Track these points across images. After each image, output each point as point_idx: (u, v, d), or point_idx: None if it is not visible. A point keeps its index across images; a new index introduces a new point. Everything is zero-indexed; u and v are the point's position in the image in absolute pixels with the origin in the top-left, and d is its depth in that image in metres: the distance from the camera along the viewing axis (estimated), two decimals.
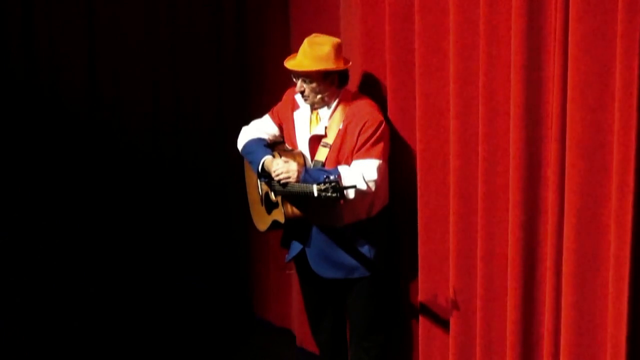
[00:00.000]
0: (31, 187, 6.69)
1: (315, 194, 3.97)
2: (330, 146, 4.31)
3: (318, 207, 4.22)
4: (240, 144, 4.57)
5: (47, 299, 6.16)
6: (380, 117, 4.29)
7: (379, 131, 4.25)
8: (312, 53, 4.26)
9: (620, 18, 3.46)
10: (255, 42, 5.65)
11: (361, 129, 4.25)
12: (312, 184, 4.00)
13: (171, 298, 6.22)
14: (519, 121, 3.85)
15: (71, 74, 6.57)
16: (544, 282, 3.94)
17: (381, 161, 4.25)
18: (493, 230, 4.08)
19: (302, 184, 4.15)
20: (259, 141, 4.49)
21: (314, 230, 4.42)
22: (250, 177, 4.65)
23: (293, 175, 4.21)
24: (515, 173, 3.90)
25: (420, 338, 4.55)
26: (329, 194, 3.94)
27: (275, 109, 4.60)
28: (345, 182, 4.12)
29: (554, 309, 3.86)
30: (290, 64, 4.32)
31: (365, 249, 4.41)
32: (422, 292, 4.48)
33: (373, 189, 4.22)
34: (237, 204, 5.84)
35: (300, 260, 4.53)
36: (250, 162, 4.50)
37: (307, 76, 4.28)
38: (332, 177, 3.97)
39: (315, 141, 4.37)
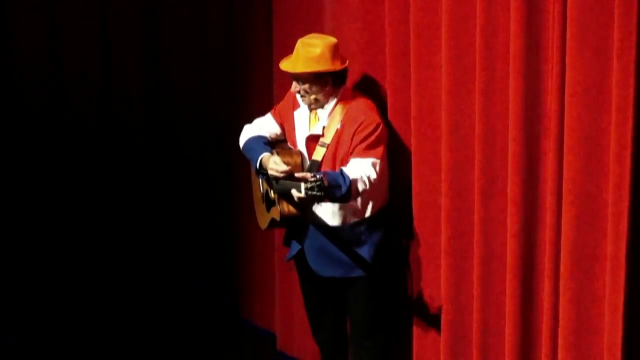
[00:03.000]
0: (31, 187, 6.70)
1: (302, 192, 3.96)
2: (328, 146, 4.32)
3: (310, 205, 4.21)
4: (241, 142, 4.58)
5: (47, 299, 6.15)
6: (378, 119, 4.28)
7: (377, 132, 4.23)
8: (304, 54, 4.26)
9: (617, 14, 3.45)
10: (242, 38, 5.63)
11: (357, 128, 4.23)
12: (301, 182, 3.99)
13: (159, 298, 6.24)
14: (517, 121, 3.84)
15: (71, 76, 6.58)
16: (542, 281, 3.93)
17: (379, 160, 4.24)
18: (490, 229, 4.07)
19: (293, 182, 4.13)
20: (259, 139, 4.50)
21: (313, 228, 4.41)
22: (255, 176, 4.67)
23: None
24: (513, 173, 3.89)
25: (418, 338, 4.55)
26: (314, 192, 3.93)
27: (278, 107, 4.60)
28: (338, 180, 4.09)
29: (552, 308, 3.86)
30: (284, 65, 4.33)
31: (364, 249, 4.40)
32: (417, 292, 4.49)
33: (368, 187, 4.22)
34: (225, 203, 5.86)
35: (300, 259, 4.53)
36: (250, 159, 4.51)
37: (300, 78, 4.29)
38: (318, 176, 3.97)
39: (312, 141, 4.36)
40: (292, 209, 4.30)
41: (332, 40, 4.33)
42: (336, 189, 4.06)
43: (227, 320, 5.88)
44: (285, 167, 4.14)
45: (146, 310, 6.05)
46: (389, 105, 4.46)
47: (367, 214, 4.38)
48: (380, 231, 4.43)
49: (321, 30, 4.71)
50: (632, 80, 3.46)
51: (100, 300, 6.16)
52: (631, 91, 3.46)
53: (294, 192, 4.00)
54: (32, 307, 6.06)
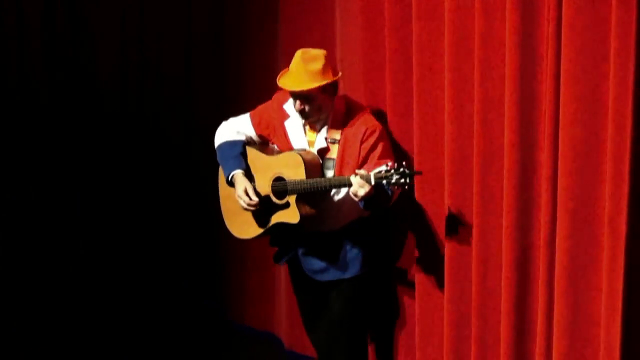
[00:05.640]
0: (25, 186, 6.65)
1: (373, 183, 3.91)
2: (338, 142, 4.25)
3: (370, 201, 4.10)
4: (216, 142, 4.50)
5: (38, 300, 6.15)
6: (378, 123, 4.25)
7: (384, 139, 4.21)
8: (308, 69, 4.17)
9: (614, 17, 3.47)
10: (235, 31, 5.62)
11: (362, 137, 4.20)
12: (369, 175, 3.93)
13: (150, 301, 6.24)
14: (513, 125, 3.87)
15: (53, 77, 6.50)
16: (537, 284, 3.95)
17: (393, 160, 4.19)
18: (487, 230, 4.09)
19: (337, 178, 4.12)
20: (235, 146, 4.43)
21: (307, 234, 4.38)
22: (228, 189, 4.54)
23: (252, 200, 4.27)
24: (509, 174, 3.92)
25: (417, 340, 4.55)
26: (394, 181, 3.87)
27: (262, 116, 4.46)
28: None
29: (547, 311, 3.87)
30: (288, 84, 4.21)
31: (356, 249, 4.37)
32: (419, 293, 4.50)
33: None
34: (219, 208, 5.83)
35: (293, 262, 4.51)
36: (222, 167, 4.46)
37: (308, 94, 4.20)
38: (403, 163, 3.89)
39: (320, 153, 4.30)
40: (309, 210, 4.25)
41: (324, 51, 4.28)
42: (386, 197, 4.06)
43: (224, 325, 5.87)
44: (254, 202, 4.25)
45: (136, 316, 6.03)
46: (388, 109, 4.47)
47: (362, 214, 4.34)
48: (373, 232, 4.42)
49: (331, 30, 4.69)
50: (630, 84, 3.46)
51: (99, 302, 6.17)
52: (630, 95, 3.47)
53: (357, 187, 3.94)
54: (29, 307, 6.07)
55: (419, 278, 4.48)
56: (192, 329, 5.82)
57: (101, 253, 6.59)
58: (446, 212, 4.24)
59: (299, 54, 4.24)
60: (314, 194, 4.19)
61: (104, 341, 5.63)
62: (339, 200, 4.29)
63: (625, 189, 3.53)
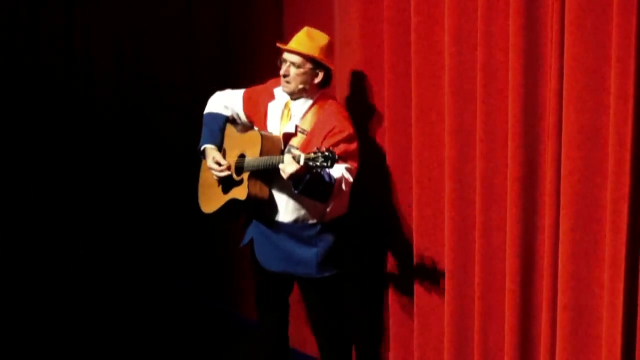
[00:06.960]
0: (25, 186, 6.64)
1: (302, 162, 3.90)
2: (307, 133, 4.26)
3: (297, 184, 4.09)
4: (206, 109, 4.57)
5: (36, 301, 6.14)
6: (351, 129, 4.23)
7: (352, 143, 4.19)
8: (310, 41, 4.26)
9: (615, 17, 3.47)
10: (241, 22, 5.62)
11: (328, 133, 4.19)
12: (300, 154, 3.92)
13: (150, 298, 6.22)
14: (517, 122, 3.87)
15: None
16: (541, 283, 3.95)
17: (355, 167, 4.20)
18: (490, 230, 4.09)
19: (278, 157, 4.12)
20: (218, 119, 4.50)
21: (264, 221, 4.39)
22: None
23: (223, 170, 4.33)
24: (513, 173, 3.91)
25: (415, 340, 4.56)
26: (318, 163, 3.85)
27: (252, 95, 4.53)
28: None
29: (551, 310, 3.87)
30: (286, 44, 4.29)
31: (312, 251, 4.35)
32: (417, 291, 4.49)
33: (345, 189, 4.16)
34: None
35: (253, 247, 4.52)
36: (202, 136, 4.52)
37: (298, 59, 4.26)
38: (324, 148, 3.89)
39: (286, 138, 4.33)
40: (260, 190, 4.29)
41: (330, 38, 4.33)
42: (320, 184, 4.04)
43: (229, 321, 5.86)
44: (224, 166, 4.31)
45: (137, 316, 6.02)
46: (386, 105, 4.45)
47: (323, 218, 4.34)
48: (332, 238, 4.38)
49: (331, 26, 4.71)
50: (631, 81, 3.47)
51: (99, 302, 6.15)
52: (631, 91, 3.48)
53: (286, 164, 3.93)
54: (27, 307, 6.05)
55: (419, 279, 4.49)
56: (193, 328, 5.81)
57: (101, 253, 6.58)
58: (447, 211, 4.23)
59: (305, 28, 4.32)
60: (264, 173, 4.22)
61: (105, 341, 5.63)
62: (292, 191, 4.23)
63: (627, 185, 3.54)
